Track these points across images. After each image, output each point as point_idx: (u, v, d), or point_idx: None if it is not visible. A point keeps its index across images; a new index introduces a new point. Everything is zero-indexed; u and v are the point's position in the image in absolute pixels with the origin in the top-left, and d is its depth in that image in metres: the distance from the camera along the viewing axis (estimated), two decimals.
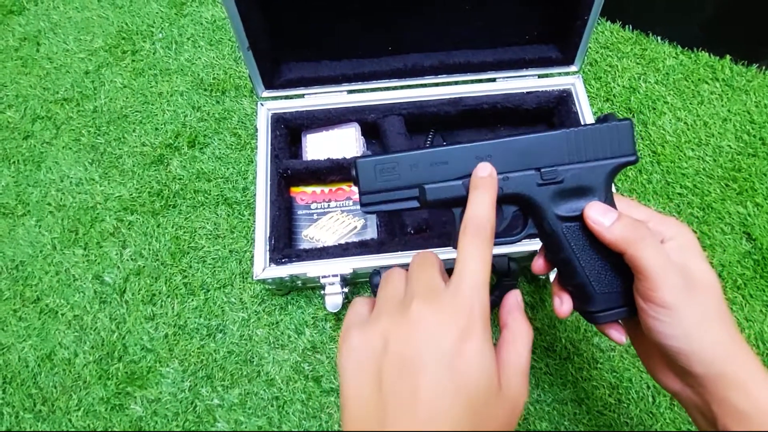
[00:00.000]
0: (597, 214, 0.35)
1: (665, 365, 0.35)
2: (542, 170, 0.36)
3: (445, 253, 0.54)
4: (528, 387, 0.31)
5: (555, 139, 0.37)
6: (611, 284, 0.36)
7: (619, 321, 0.38)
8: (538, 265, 0.39)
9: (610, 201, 0.37)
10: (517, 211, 0.39)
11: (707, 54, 0.73)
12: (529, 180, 0.37)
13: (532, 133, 0.37)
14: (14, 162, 0.69)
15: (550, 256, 0.39)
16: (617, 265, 0.36)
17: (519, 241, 0.38)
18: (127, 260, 0.63)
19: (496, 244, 0.35)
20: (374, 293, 0.54)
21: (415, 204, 0.37)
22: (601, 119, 0.38)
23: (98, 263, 0.63)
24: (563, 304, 0.38)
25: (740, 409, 0.31)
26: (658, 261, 0.32)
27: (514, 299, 0.34)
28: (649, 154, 0.67)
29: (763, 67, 0.72)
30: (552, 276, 0.53)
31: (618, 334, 0.38)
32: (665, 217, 0.36)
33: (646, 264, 0.32)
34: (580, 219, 0.36)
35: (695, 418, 0.35)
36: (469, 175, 0.36)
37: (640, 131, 0.69)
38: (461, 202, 0.36)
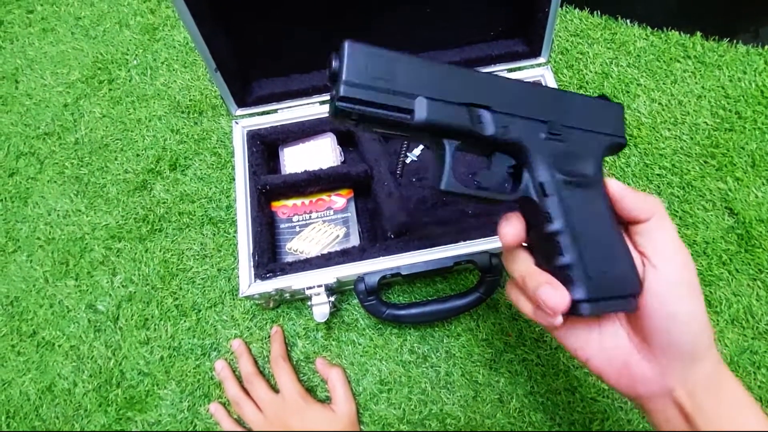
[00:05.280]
0: (618, 184, 0.33)
1: (641, 359, 0.32)
2: (550, 122, 0.33)
3: (427, 254, 0.54)
4: (351, 399, 0.56)
5: (566, 98, 0.35)
6: (608, 267, 0.31)
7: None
8: (513, 234, 0.33)
9: (600, 175, 0.34)
10: (510, 169, 0.34)
11: (677, 32, 0.73)
12: (535, 130, 0.33)
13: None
14: (1, 200, 0.70)
15: (534, 231, 0.33)
16: (616, 246, 0.32)
17: (510, 200, 0.34)
18: (118, 287, 0.64)
19: (486, 199, 0.33)
20: (360, 300, 0.55)
21: (405, 117, 0.30)
22: (599, 97, 0.37)
23: (90, 293, 0.64)
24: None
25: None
26: (673, 233, 0.32)
27: (322, 367, 0.58)
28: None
29: (735, 41, 0.72)
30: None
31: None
32: (641, 194, 0.34)
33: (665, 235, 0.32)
34: (580, 186, 0.33)
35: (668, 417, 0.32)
36: (477, 105, 0.32)
37: None
38: (459, 133, 0.32)
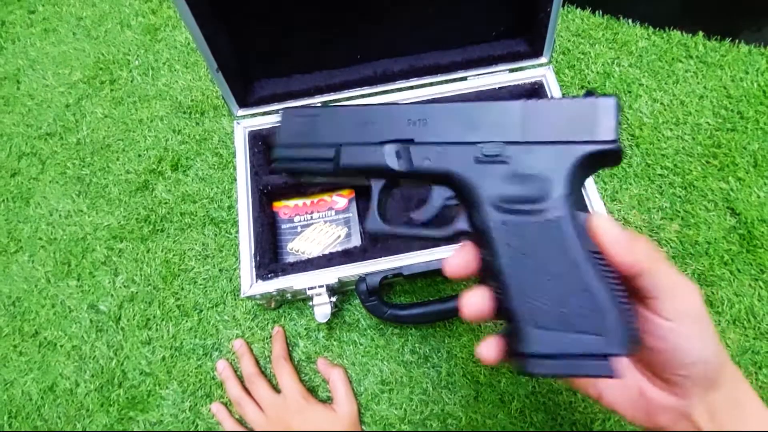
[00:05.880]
0: (610, 225, 0.27)
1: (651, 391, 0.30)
2: (483, 144, 0.29)
3: (429, 254, 0.54)
4: (353, 399, 0.56)
5: (508, 110, 0.30)
6: (573, 318, 0.26)
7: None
8: (455, 265, 0.29)
9: (575, 201, 0.28)
10: (451, 198, 0.31)
11: (680, 32, 0.73)
12: (465, 154, 0.29)
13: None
14: (3, 200, 0.70)
15: (483, 267, 0.29)
16: (589, 290, 0.26)
17: (448, 237, 0.31)
18: (120, 287, 0.64)
19: (426, 238, 0.31)
20: (361, 300, 0.55)
21: (328, 167, 0.32)
22: (584, 96, 0.30)
23: (92, 293, 0.64)
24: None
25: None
26: (676, 275, 0.27)
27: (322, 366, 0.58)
28: (627, 138, 0.67)
29: (737, 41, 0.72)
30: None
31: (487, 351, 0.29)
32: (631, 243, 0.28)
33: (667, 280, 0.27)
34: (524, 214, 0.28)
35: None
36: (398, 141, 0.31)
37: None
38: (380, 172, 0.31)
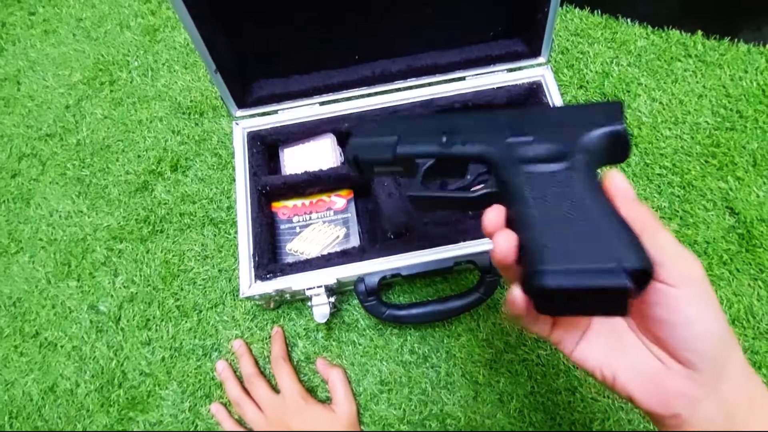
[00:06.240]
0: (621, 179, 0.31)
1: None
2: (511, 135, 0.35)
3: (427, 255, 0.55)
4: (352, 399, 0.57)
5: (532, 112, 0.38)
6: (582, 240, 0.28)
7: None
8: (491, 219, 0.32)
9: (589, 163, 0.32)
10: (484, 174, 0.36)
11: (678, 31, 0.73)
12: (496, 139, 0.35)
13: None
14: (4, 201, 0.70)
15: (509, 220, 0.32)
16: (596, 217, 0.29)
17: (475, 199, 0.35)
18: (120, 288, 0.64)
19: (454, 202, 0.37)
20: (360, 301, 0.55)
21: (388, 156, 0.41)
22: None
23: (92, 293, 0.64)
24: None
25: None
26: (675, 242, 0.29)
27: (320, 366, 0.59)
28: None
29: (736, 40, 0.72)
30: None
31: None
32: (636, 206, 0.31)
33: (668, 246, 0.29)
34: (543, 161, 0.32)
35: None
36: (449, 132, 0.38)
37: None
38: (430, 155, 0.38)
